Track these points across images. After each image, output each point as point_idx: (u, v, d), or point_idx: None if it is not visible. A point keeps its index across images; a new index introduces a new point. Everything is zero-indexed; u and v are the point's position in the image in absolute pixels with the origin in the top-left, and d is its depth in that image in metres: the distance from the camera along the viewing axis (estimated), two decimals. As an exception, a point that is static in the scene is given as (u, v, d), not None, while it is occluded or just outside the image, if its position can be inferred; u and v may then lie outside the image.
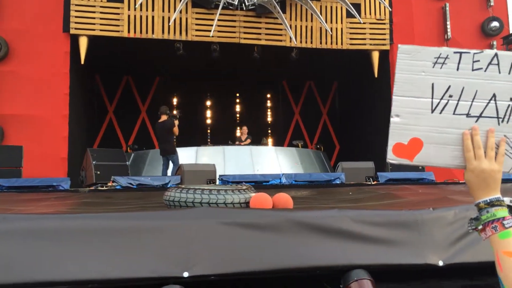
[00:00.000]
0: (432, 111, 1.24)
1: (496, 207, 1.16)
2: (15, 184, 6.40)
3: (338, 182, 7.28)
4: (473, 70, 1.24)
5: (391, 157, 1.28)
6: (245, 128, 12.40)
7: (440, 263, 2.17)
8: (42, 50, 9.68)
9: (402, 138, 1.26)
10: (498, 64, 1.23)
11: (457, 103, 1.24)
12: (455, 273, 2.25)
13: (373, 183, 7.51)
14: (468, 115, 1.24)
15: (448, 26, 11.67)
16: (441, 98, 1.23)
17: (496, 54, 1.23)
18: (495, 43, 11.89)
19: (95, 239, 2.05)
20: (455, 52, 1.25)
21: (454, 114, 1.23)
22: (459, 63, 1.24)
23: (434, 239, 2.24)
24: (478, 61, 1.24)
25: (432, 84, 1.23)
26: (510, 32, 11.98)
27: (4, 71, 9.56)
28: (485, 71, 1.24)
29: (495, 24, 11.87)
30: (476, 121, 1.23)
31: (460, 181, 7.45)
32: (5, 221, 2.08)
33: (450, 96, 1.23)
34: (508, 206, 1.18)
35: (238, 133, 16.18)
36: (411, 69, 1.24)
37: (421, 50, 1.25)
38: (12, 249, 1.97)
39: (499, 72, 1.23)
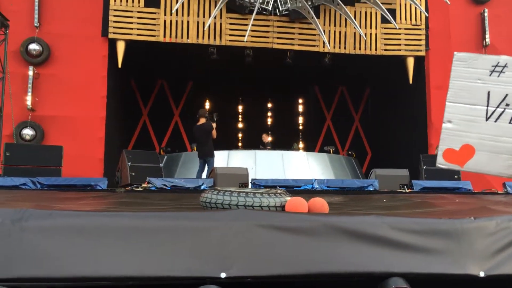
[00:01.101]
0: (487, 119, 1.22)
1: None
2: (55, 183, 6.64)
3: (371, 189, 7.19)
4: None
5: (442, 162, 1.28)
6: (265, 135, 12.53)
7: (481, 274, 2.12)
8: (82, 54, 10.01)
9: (453, 144, 1.25)
10: None
11: None
12: (496, 284, 2.19)
13: (407, 191, 7.37)
14: None
15: (487, 32, 11.37)
16: (497, 107, 1.22)
17: None
18: (536, 49, 11.49)
19: (133, 237, 2.10)
20: None
21: (510, 123, 1.21)
22: None
23: (475, 249, 2.19)
24: None
25: (488, 92, 1.22)
26: (553, 39, 11.55)
27: (45, 74, 9.93)
28: None
29: (537, 30, 11.48)
30: None
31: (499, 191, 7.23)
32: (50, 217, 2.16)
33: (507, 105, 1.22)
34: None
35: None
36: (467, 76, 1.23)
37: (478, 58, 1.24)
38: (56, 244, 2.04)
39: None
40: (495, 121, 1.22)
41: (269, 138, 12.49)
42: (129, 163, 8.08)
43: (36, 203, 3.84)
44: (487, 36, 11.34)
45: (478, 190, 7.62)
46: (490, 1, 11.51)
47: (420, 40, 11.31)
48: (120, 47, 10.29)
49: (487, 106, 1.23)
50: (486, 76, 1.22)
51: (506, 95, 1.21)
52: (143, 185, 7.09)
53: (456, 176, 8.15)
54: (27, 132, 9.67)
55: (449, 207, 3.86)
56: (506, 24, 11.50)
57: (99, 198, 4.67)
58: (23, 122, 9.68)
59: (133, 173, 7.90)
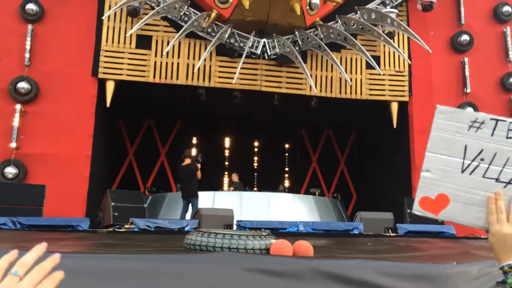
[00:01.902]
0: (462, 171, 1.28)
1: None
2: (36, 223, 6.49)
3: (356, 232, 7.17)
4: (507, 137, 1.28)
5: (417, 209, 1.32)
6: (235, 176, 12.52)
7: (466, 320, 2.11)
8: (70, 93, 10.05)
9: (430, 192, 1.29)
10: None
11: (488, 167, 1.27)
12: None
13: (392, 234, 7.36)
14: (497, 180, 1.27)
15: (468, 80, 11.76)
16: (473, 160, 1.28)
17: None
18: (515, 97, 11.89)
19: (116, 279, 2.07)
20: (491, 119, 1.29)
21: (483, 177, 1.27)
22: (494, 129, 1.28)
23: (459, 295, 2.19)
24: None
25: (465, 146, 1.28)
26: (531, 87, 11.98)
27: (32, 112, 9.91)
28: None
29: (515, 79, 11.92)
30: (505, 186, 1.27)
31: (482, 236, 7.26)
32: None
33: (482, 159, 1.27)
34: None
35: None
36: (447, 129, 1.29)
37: (458, 112, 1.31)
38: None
39: None
40: (470, 174, 1.28)
41: (237, 179, 12.53)
42: (112, 203, 7.97)
43: (15, 244, 3.74)
44: (468, 83, 11.72)
45: (462, 235, 7.64)
46: (470, 50, 11.98)
47: (403, 86, 11.63)
48: (109, 87, 10.38)
49: (464, 159, 1.28)
50: (465, 130, 1.29)
51: (482, 150, 1.28)
52: (126, 226, 6.97)
53: (440, 221, 8.17)
54: (10, 171, 9.52)
55: (433, 251, 3.86)
56: (486, 72, 11.94)
57: (80, 240, 4.57)
58: (7, 160, 9.55)
59: (116, 214, 7.77)
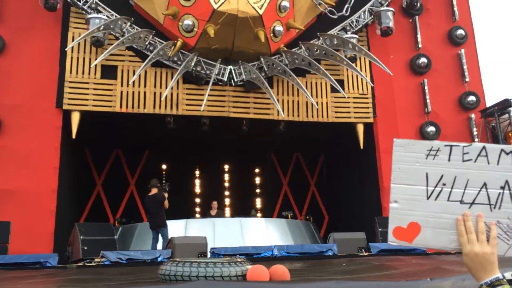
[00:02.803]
0: (428, 197, 1.34)
1: (497, 287, 1.22)
2: (1, 261, 6.22)
3: (330, 254, 7.21)
4: (463, 161, 1.35)
5: (392, 240, 1.36)
6: (215, 203, 12.41)
7: (441, 335, 2.16)
8: (34, 125, 9.82)
9: (401, 222, 1.35)
10: (486, 156, 1.34)
11: (451, 191, 1.34)
12: None
13: (365, 254, 7.44)
14: (461, 201, 1.33)
15: (428, 100, 12.23)
16: (435, 186, 1.34)
17: (484, 147, 1.35)
18: (473, 116, 12.43)
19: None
20: (445, 145, 1.36)
21: (448, 200, 1.33)
22: (450, 154, 1.35)
23: (433, 310, 2.25)
24: (468, 153, 1.35)
25: (426, 174, 1.35)
26: (487, 106, 12.57)
27: (-6, 146, 9.60)
28: (474, 162, 1.34)
29: (471, 98, 12.50)
30: (470, 207, 1.32)
31: (452, 252, 7.44)
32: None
33: (444, 184, 1.34)
34: (509, 281, 1.23)
35: (227, 206, 16.12)
36: (406, 160, 1.37)
37: (414, 143, 1.38)
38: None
39: (488, 163, 1.34)
40: (435, 200, 1.35)
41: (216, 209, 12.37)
42: (81, 237, 7.74)
43: (-20, 284, 3.57)
44: (429, 103, 12.19)
45: (432, 251, 7.80)
46: (428, 71, 12.51)
47: (367, 108, 11.97)
48: (75, 118, 10.21)
49: (427, 186, 1.36)
50: (423, 159, 1.37)
51: (442, 176, 1.36)
52: (96, 260, 6.77)
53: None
54: (-29, 208, 9.13)
55: (406, 268, 3.93)
56: (445, 92, 12.48)
57: (49, 276, 4.40)
58: (-32, 197, 9.17)
59: (85, 247, 7.54)
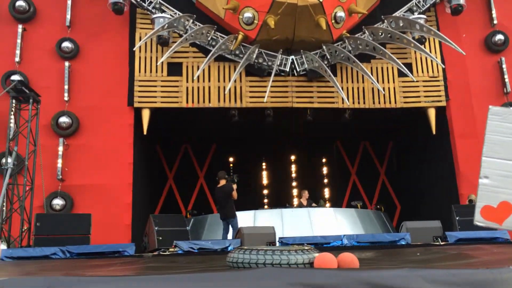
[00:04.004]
0: None
1: None
2: (84, 251, 6.68)
3: (403, 243, 6.95)
4: None
5: (480, 220, 1.22)
6: (306, 192, 12.34)
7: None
8: (109, 123, 10.40)
9: (491, 201, 1.20)
10: None
11: None
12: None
13: (441, 243, 7.09)
14: None
15: (507, 80, 11.38)
16: None
17: None
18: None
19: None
20: None
21: None
22: None
23: (517, 300, 2.07)
24: None
25: None
26: None
27: (74, 145, 10.30)
28: None
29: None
30: None
31: (539, 240, 6.88)
32: (78, 284, 2.17)
33: None
34: None
35: (295, 197, 16.09)
36: (503, 131, 1.20)
37: None
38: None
39: None
40: None
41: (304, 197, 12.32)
42: (156, 228, 8.09)
43: (66, 272, 3.85)
44: (508, 83, 11.33)
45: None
46: (506, 49, 11.62)
47: (439, 91, 11.36)
48: (145, 115, 10.67)
49: None
50: None
51: None
52: (170, 249, 7.05)
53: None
54: (57, 202, 9.89)
55: (487, 257, 3.69)
56: (525, 70, 11.52)
57: (127, 264, 4.65)
58: (53, 193, 9.93)
59: (160, 238, 7.88)
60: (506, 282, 2.15)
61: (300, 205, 12.04)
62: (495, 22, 11.68)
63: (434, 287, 2.14)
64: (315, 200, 13.39)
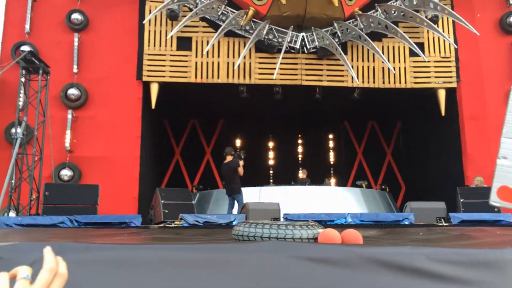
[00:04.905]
0: None
1: None
2: (91, 221, 6.81)
3: (406, 223, 6.99)
4: None
5: (495, 200, 1.22)
6: (304, 170, 12.46)
7: (527, 306, 2.02)
8: (117, 97, 10.42)
9: (508, 181, 1.19)
10: None
11: None
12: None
13: (445, 224, 7.13)
14: None
15: (520, 61, 11.18)
16: None
17: None
18: None
19: (167, 269, 2.13)
20: None
21: None
22: None
23: (519, 280, 2.10)
24: None
25: None
26: None
27: (83, 117, 10.36)
28: None
29: None
30: None
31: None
32: (87, 250, 2.22)
33: None
34: None
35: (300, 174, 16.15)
36: None
37: None
38: (92, 276, 2.08)
39: None
40: None
41: (301, 175, 12.47)
42: (162, 201, 8.19)
43: (74, 239, 3.93)
44: (521, 65, 11.14)
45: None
46: (520, 30, 11.40)
47: (450, 72, 11.22)
48: (154, 89, 10.66)
49: None
50: None
51: None
52: (176, 222, 7.15)
53: (496, 209, 7.84)
54: (65, 173, 10.02)
55: (490, 239, 3.71)
56: (539, 52, 11.30)
57: (133, 234, 4.74)
58: (62, 163, 10.05)
59: (166, 211, 7.99)
60: (509, 263, 2.17)
61: (298, 179, 12.19)
62: (511, 2, 11.41)
63: (437, 265, 2.16)
64: (321, 178, 13.45)
